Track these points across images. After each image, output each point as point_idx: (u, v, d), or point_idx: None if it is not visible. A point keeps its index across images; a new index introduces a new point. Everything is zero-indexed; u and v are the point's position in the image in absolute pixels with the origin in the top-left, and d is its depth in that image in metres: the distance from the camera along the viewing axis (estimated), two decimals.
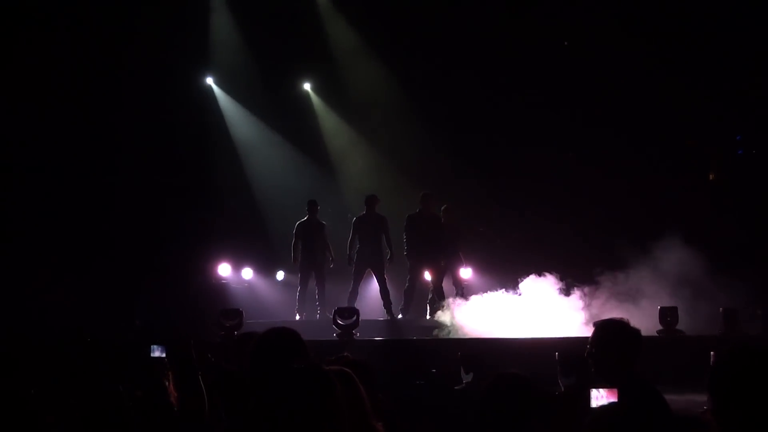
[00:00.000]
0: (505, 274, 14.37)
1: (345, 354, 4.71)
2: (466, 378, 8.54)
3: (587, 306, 12.56)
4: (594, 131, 15.91)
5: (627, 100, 15.88)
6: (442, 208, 14.51)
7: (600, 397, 4.06)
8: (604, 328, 4.72)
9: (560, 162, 16.10)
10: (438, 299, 13.92)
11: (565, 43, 16.63)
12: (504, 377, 3.66)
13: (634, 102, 15.85)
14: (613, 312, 11.34)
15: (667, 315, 11.97)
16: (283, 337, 3.62)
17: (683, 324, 12.04)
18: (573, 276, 13.15)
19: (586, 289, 12.83)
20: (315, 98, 18.15)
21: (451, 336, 12.59)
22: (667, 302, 12.25)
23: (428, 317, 13.84)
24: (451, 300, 13.40)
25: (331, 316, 12.17)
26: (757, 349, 2.55)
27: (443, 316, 13.06)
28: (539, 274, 13.17)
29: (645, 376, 4.63)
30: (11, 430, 3.00)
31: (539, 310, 12.77)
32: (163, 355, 7.50)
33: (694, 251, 12.90)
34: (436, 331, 12.80)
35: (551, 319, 12.59)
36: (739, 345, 2.59)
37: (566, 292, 12.92)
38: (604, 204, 15.64)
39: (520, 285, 13.17)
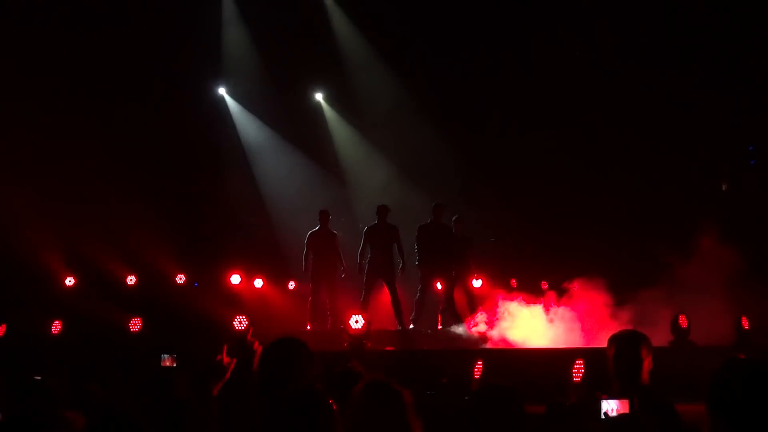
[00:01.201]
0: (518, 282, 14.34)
1: (353, 364, 4.68)
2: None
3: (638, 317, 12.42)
4: (603, 138, 15.89)
5: (638, 107, 15.85)
6: (454, 218, 14.50)
7: (611, 409, 4.03)
8: (617, 341, 4.73)
9: (573, 174, 16.05)
10: (449, 310, 13.90)
11: (577, 53, 16.60)
12: (488, 389, 3.72)
13: (646, 109, 15.82)
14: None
15: (679, 325, 11.91)
16: (290, 348, 3.60)
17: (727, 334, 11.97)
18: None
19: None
20: (327, 108, 18.16)
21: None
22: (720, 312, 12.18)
23: (439, 327, 13.82)
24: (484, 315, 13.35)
25: (342, 326, 12.15)
26: (751, 363, 2.52)
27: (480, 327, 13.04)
28: (589, 278, 13.10)
29: (656, 387, 4.60)
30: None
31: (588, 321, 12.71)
32: (174, 364, 7.49)
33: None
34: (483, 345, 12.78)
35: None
36: (732, 360, 2.57)
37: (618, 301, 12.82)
38: (613, 213, 15.61)
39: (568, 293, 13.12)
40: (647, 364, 4.63)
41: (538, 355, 11.10)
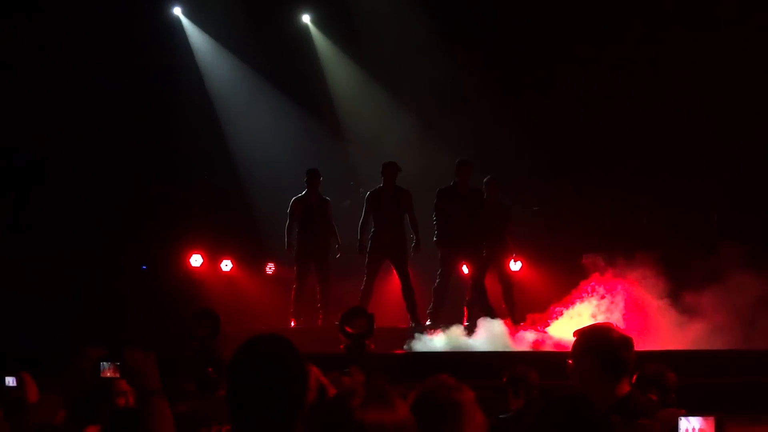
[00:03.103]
0: (568, 265, 14.36)
1: (349, 369, 4.68)
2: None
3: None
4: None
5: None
6: (485, 180, 14.49)
7: (691, 428, 4.07)
8: (584, 337, 4.84)
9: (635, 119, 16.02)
10: (479, 301, 13.94)
11: None
12: (561, 402, 3.70)
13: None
14: None
15: None
16: (270, 347, 3.56)
17: None
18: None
19: None
20: (317, 34, 18.08)
21: None
22: None
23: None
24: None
25: (337, 323, 12.17)
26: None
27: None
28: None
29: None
30: None
31: None
32: (117, 374, 7.48)
33: None
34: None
35: None
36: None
37: None
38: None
39: None
40: (623, 364, 4.75)
41: None
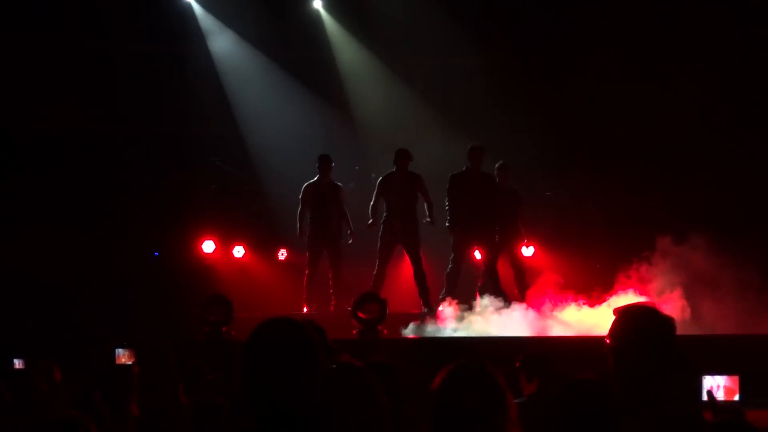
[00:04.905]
0: (581, 252, 14.30)
1: (345, 361, 4.66)
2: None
3: None
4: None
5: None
6: (497, 165, 14.44)
7: (716, 386, 4.07)
8: (626, 316, 4.71)
9: (652, 102, 15.94)
10: (491, 286, 13.91)
11: None
12: (577, 386, 3.69)
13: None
14: None
15: None
16: (286, 330, 3.54)
17: None
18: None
19: None
20: (328, 20, 18.03)
21: None
22: None
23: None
24: None
25: (350, 308, 12.16)
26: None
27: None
28: None
29: None
30: None
31: None
32: (131, 361, 7.53)
33: None
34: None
35: None
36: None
37: None
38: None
39: None
40: (665, 346, 4.63)
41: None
